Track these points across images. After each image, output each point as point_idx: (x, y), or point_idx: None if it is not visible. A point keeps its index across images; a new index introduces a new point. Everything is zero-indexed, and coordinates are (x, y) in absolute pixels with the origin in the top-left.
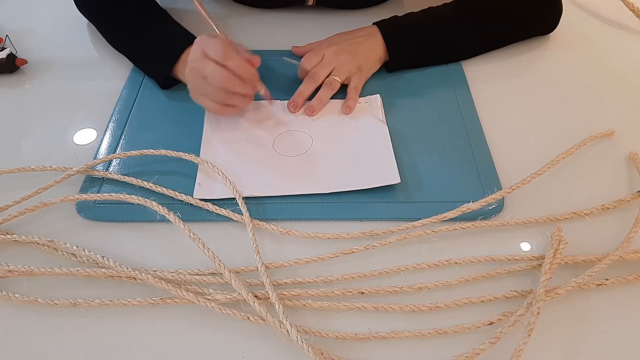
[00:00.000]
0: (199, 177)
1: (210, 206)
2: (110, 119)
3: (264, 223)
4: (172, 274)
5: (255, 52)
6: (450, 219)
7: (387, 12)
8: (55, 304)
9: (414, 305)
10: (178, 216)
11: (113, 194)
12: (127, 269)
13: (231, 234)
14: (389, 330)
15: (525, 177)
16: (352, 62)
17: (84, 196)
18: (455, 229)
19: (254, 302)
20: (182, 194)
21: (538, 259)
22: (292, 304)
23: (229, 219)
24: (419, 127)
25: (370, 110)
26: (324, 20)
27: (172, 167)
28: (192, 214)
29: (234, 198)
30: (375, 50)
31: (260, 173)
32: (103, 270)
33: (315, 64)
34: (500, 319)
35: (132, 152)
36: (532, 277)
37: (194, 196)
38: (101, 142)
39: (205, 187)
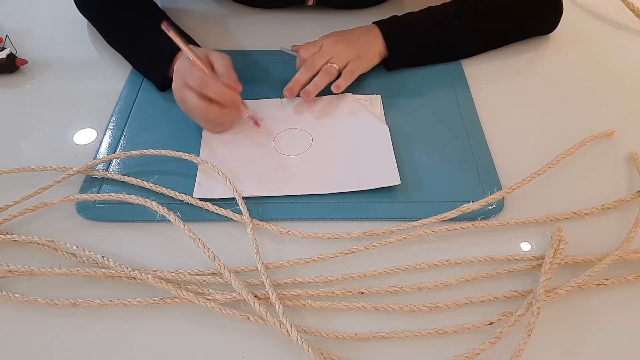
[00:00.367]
0: (199, 176)
1: (210, 206)
2: (110, 119)
3: (264, 223)
4: (172, 274)
5: (256, 52)
6: (450, 219)
7: (387, 12)
8: (55, 304)
9: (414, 305)
10: (178, 216)
11: (113, 194)
12: (127, 269)
13: (231, 234)
14: (389, 330)
15: (525, 177)
16: (350, 51)
17: (84, 196)
18: (455, 229)
19: (254, 302)
20: (182, 194)
21: (538, 259)
22: (292, 304)
23: (229, 219)
24: (419, 127)
25: (371, 109)
26: (324, 20)
27: (172, 167)
28: (192, 214)
29: (234, 198)
30: (375, 43)
31: (260, 173)
32: (103, 270)
33: (312, 53)
34: (500, 319)
35: (132, 152)
36: (532, 277)
37: (193, 196)
38: (101, 142)
39: (205, 187)
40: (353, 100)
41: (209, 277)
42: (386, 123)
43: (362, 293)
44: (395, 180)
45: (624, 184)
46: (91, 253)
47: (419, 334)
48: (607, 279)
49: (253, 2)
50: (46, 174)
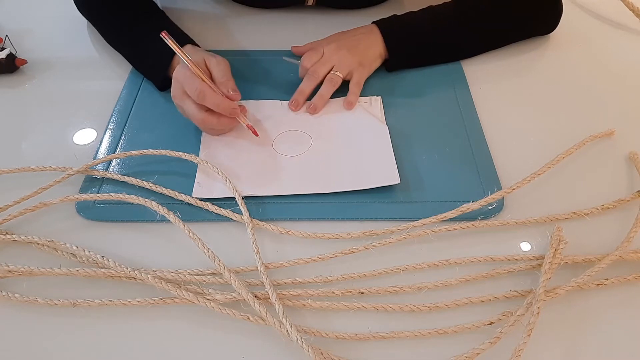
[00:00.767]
0: (199, 176)
1: (210, 206)
2: (110, 119)
3: (264, 223)
4: (172, 274)
5: (255, 52)
6: (450, 219)
7: (387, 12)
8: (55, 304)
9: (414, 305)
10: (178, 216)
11: (113, 194)
12: (127, 269)
13: (231, 234)
14: (389, 330)
15: (525, 177)
16: (352, 58)
17: (84, 196)
18: (455, 229)
19: (254, 302)
20: (182, 194)
21: (538, 259)
22: (292, 304)
23: (228, 219)
24: (419, 127)
25: (371, 110)
26: (324, 20)
27: (171, 167)
28: (191, 214)
29: (234, 198)
30: (375, 46)
31: (260, 173)
32: (103, 270)
33: (315, 62)
34: (500, 319)
35: (132, 152)
36: (532, 277)
37: (193, 195)
38: (101, 142)
39: (205, 187)
40: None
41: (208, 277)
42: (386, 123)
43: (362, 293)
44: (395, 180)
45: (624, 184)
46: (91, 253)
47: (419, 334)
48: (607, 279)
49: (253, 2)
50: (46, 174)
